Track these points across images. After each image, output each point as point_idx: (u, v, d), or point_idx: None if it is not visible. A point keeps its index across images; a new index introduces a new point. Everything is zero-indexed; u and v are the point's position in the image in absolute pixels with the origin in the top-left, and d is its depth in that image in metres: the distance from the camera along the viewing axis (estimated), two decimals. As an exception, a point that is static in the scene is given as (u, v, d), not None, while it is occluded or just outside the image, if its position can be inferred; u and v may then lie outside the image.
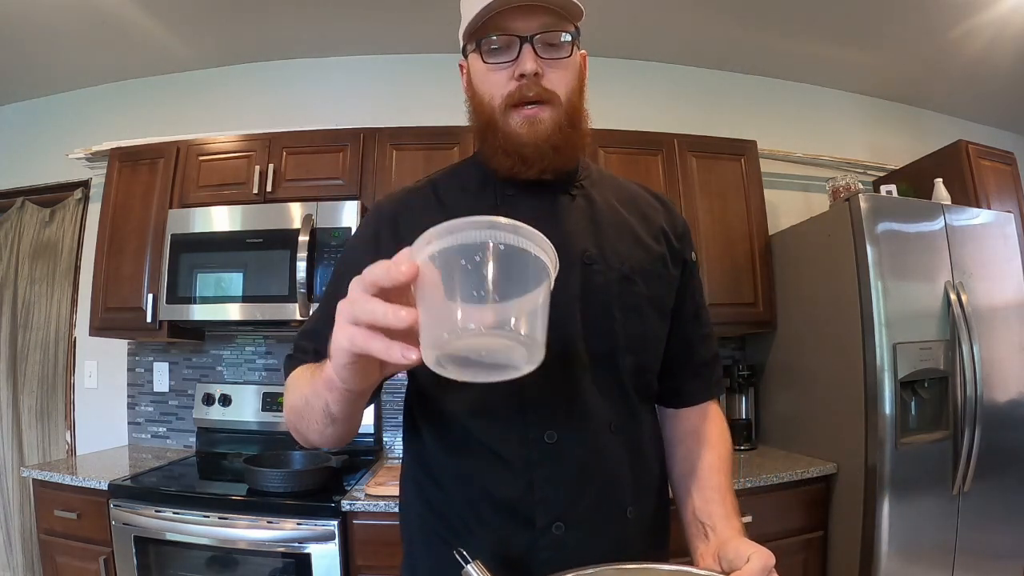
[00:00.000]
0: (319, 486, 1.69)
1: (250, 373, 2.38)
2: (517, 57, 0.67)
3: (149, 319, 2.07)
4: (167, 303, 2.01)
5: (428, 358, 0.39)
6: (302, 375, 0.66)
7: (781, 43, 2.49)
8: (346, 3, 2.22)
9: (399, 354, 0.39)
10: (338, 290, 0.72)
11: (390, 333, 0.40)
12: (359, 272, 0.71)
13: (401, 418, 0.81)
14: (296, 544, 1.56)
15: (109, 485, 1.70)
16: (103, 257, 2.18)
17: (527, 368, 0.40)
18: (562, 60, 0.69)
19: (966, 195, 2.23)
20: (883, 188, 2.30)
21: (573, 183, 0.77)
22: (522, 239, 0.39)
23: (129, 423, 2.43)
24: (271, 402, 2.20)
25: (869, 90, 2.82)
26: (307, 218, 1.95)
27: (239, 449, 2.19)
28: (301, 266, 1.88)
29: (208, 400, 2.24)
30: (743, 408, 2.26)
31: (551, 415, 0.67)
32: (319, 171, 2.11)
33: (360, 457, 2.10)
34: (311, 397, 0.58)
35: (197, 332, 2.34)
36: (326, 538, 1.55)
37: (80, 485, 1.75)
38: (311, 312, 0.77)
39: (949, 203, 2.07)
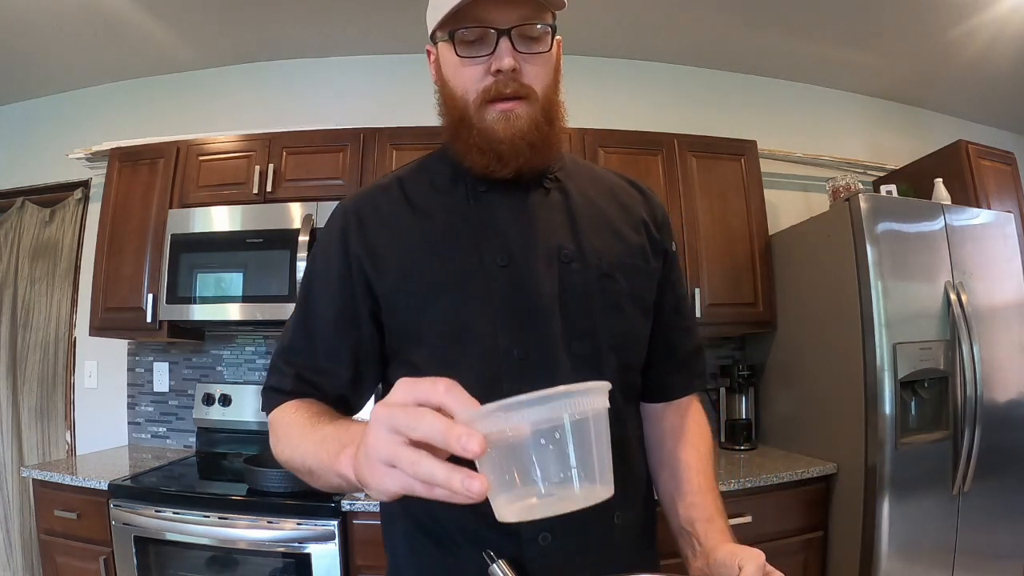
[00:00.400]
0: (319, 486, 1.69)
1: (250, 373, 2.38)
2: (494, 51, 0.63)
3: (149, 319, 2.07)
4: (167, 303, 2.01)
5: (500, 514, 0.39)
6: (301, 432, 0.61)
7: (781, 43, 2.49)
8: (346, 3, 2.22)
9: (464, 495, 0.36)
10: (310, 301, 0.73)
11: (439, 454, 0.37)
12: (330, 280, 0.71)
13: None
14: (296, 544, 1.56)
15: (109, 485, 1.70)
16: (103, 257, 2.18)
17: (602, 499, 0.40)
18: (540, 55, 0.66)
19: (966, 195, 2.23)
20: (883, 188, 2.30)
21: (546, 176, 0.73)
22: (594, 398, 0.38)
23: (129, 423, 2.43)
24: (271, 402, 2.20)
25: (869, 90, 2.82)
26: (307, 218, 1.95)
27: (239, 449, 2.19)
28: (301, 266, 1.88)
29: (208, 400, 2.24)
30: (743, 408, 2.26)
31: None
32: (319, 171, 2.11)
33: (360, 457, 2.10)
34: (321, 471, 0.55)
35: (197, 332, 2.34)
36: (326, 538, 1.55)
37: (80, 485, 1.75)
38: (285, 329, 0.75)
39: (949, 203, 2.07)
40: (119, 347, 2.45)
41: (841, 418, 1.85)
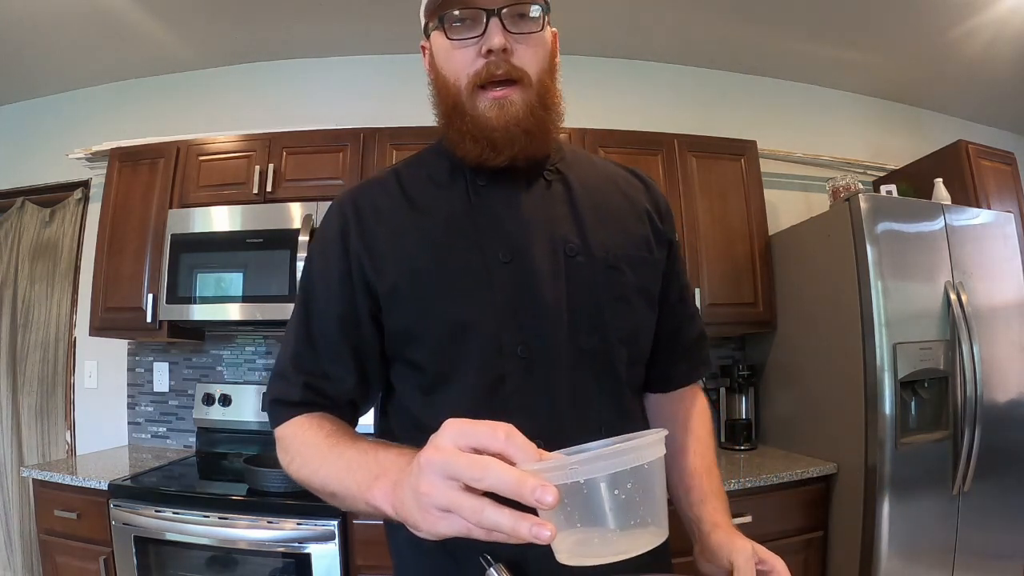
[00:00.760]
0: (319, 486, 1.69)
1: (250, 373, 2.38)
2: (484, 32, 0.62)
3: (149, 319, 2.07)
4: (167, 303, 2.01)
5: (561, 557, 0.40)
6: (320, 454, 0.60)
7: (781, 43, 2.49)
8: (346, 3, 2.22)
9: (530, 536, 0.35)
10: (311, 303, 0.71)
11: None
12: (330, 280, 0.70)
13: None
14: (296, 544, 1.56)
15: (109, 485, 1.70)
16: (103, 257, 2.18)
17: (660, 542, 0.41)
18: (532, 35, 0.64)
19: (966, 195, 2.23)
20: (883, 188, 2.30)
21: (547, 167, 0.72)
22: (656, 447, 0.40)
23: (129, 423, 2.43)
24: (271, 402, 2.20)
25: (869, 90, 2.82)
26: (307, 218, 1.95)
27: (239, 449, 2.19)
28: (301, 266, 1.88)
29: (208, 400, 2.24)
30: (743, 408, 2.26)
31: (536, 425, 0.64)
32: (319, 171, 2.11)
33: (360, 457, 2.10)
34: (346, 497, 0.55)
35: (197, 332, 2.34)
36: (326, 538, 1.55)
37: (80, 485, 1.75)
38: (286, 335, 0.74)
39: (949, 203, 2.07)
40: (119, 347, 2.45)
41: (841, 418, 1.85)
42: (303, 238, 1.91)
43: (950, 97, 2.85)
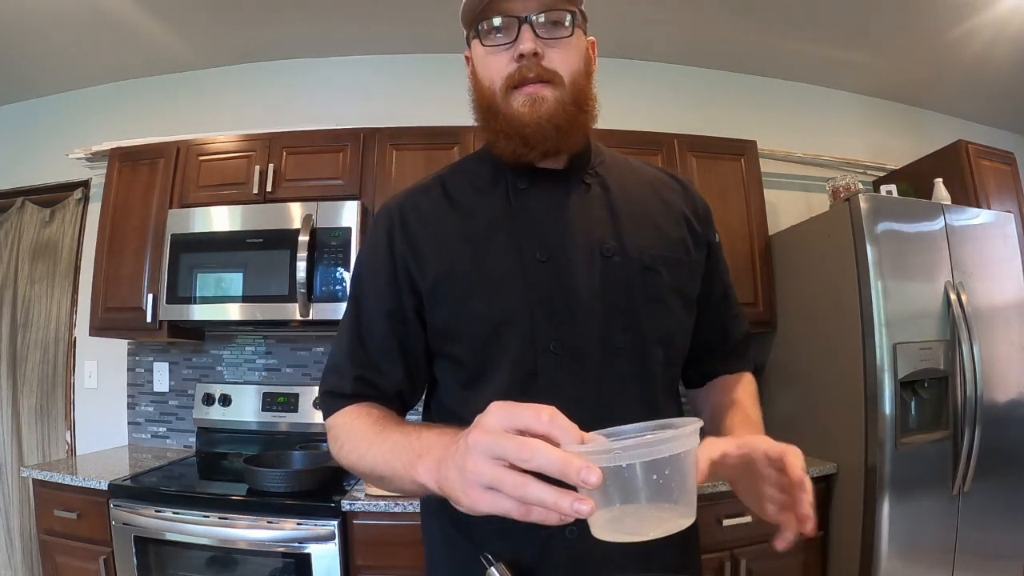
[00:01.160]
0: (319, 486, 1.69)
1: (250, 373, 2.38)
2: (516, 38, 0.66)
3: (149, 319, 2.07)
4: (167, 303, 2.01)
5: (597, 532, 0.42)
6: (367, 440, 0.64)
7: (781, 43, 2.49)
8: (346, 3, 2.22)
9: (572, 511, 0.38)
10: (362, 301, 0.74)
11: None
12: (378, 279, 0.74)
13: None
14: (296, 544, 1.56)
15: (109, 485, 1.70)
16: (103, 257, 2.18)
17: (688, 524, 0.43)
18: (563, 40, 0.67)
19: (966, 195, 2.23)
20: (883, 188, 2.30)
21: (586, 171, 0.74)
22: (693, 437, 0.42)
23: (129, 423, 2.43)
24: (271, 402, 2.20)
25: (869, 90, 2.82)
26: (307, 218, 1.95)
27: (239, 449, 2.19)
28: (301, 266, 1.88)
29: (208, 400, 2.24)
30: (743, 408, 2.25)
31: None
32: (319, 171, 2.11)
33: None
34: (394, 478, 0.58)
35: (197, 332, 2.34)
36: (326, 538, 1.55)
37: (80, 485, 1.75)
38: (340, 332, 0.76)
39: (949, 203, 2.07)
40: (119, 347, 2.45)
41: (841, 418, 1.85)
42: (303, 238, 1.90)
43: (950, 97, 2.85)
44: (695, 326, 0.78)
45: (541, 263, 0.68)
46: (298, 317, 1.91)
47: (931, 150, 2.46)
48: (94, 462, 2.04)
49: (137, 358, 2.45)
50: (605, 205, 0.72)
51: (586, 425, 0.62)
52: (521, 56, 0.65)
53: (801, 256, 2.11)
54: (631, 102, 2.54)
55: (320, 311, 1.92)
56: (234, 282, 1.98)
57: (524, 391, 0.66)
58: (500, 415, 0.43)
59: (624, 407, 0.67)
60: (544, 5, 0.66)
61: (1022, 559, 1.85)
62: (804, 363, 2.08)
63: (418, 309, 0.72)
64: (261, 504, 1.60)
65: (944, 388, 1.79)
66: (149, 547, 1.64)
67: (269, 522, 1.57)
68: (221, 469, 2.04)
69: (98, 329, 2.17)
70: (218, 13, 2.24)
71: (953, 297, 1.79)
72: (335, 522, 1.56)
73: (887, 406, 1.70)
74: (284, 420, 2.18)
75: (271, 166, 2.10)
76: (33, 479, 1.85)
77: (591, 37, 0.72)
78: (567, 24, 0.67)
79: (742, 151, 2.29)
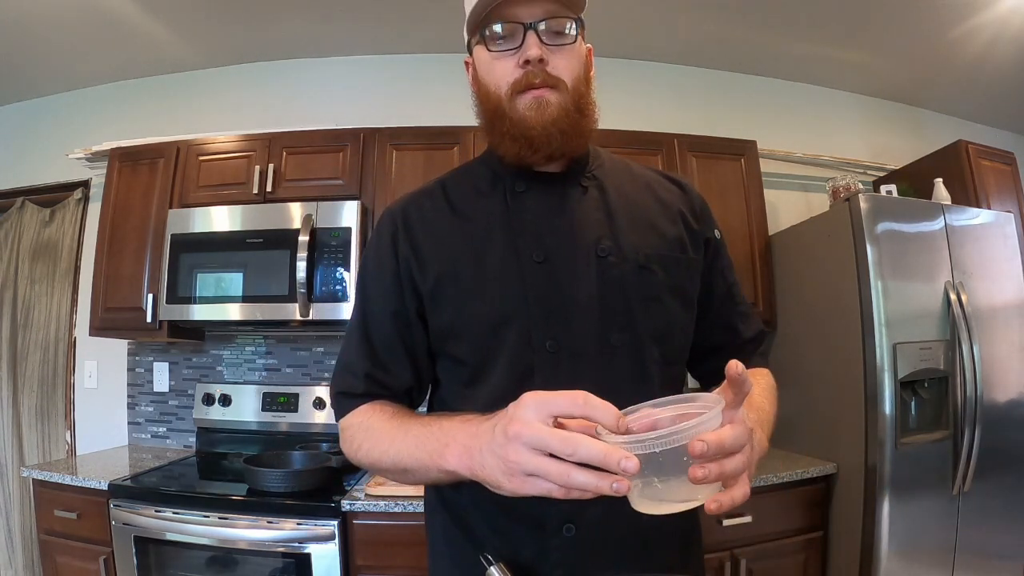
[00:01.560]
0: (319, 486, 1.69)
1: (250, 373, 2.38)
2: (521, 44, 0.67)
3: (149, 319, 2.07)
4: (167, 303, 2.01)
5: (636, 505, 0.48)
6: (388, 436, 0.66)
7: (781, 43, 2.49)
8: (346, 3, 2.22)
9: (612, 491, 0.43)
10: (368, 303, 0.77)
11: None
12: (384, 281, 0.76)
13: None
14: (296, 544, 1.56)
15: (109, 485, 1.70)
16: (103, 257, 2.18)
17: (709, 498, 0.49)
18: (566, 47, 0.69)
19: (966, 195, 2.23)
20: (883, 188, 2.30)
21: (583, 173, 0.76)
22: (718, 418, 0.47)
23: (129, 423, 2.43)
24: (271, 402, 2.20)
25: (869, 90, 2.82)
26: (307, 218, 1.95)
27: (239, 449, 2.19)
28: (301, 266, 1.88)
29: (208, 400, 2.24)
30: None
31: None
32: (319, 171, 2.11)
33: (360, 457, 2.10)
34: (419, 469, 0.61)
35: (197, 332, 2.34)
36: (326, 538, 1.55)
37: (80, 485, 1.75)
38: (348, 334, 0.79)
39: (949, 203, 2.07)
40: (119, 347, 2.45)
41: (841, 418, 1.85)
42: (303, 238, 1.90)
43: (950, 97, 2.85)
44: (702, 324, 0.79)
45: (538, 264, 0.69)
46: (298, 317, 1.91)
47: (931, 150, 2.46)
48: (94, 462, 2.04)
49: (137, 358, 2.45)
50: (601, 207, 0.74)
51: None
52: (527, 62, 0.67)
53: (801, 256, 2.11)
54: (631, 102, 2.55)
55: (320, 311, 1.92)
56: (234, 282, 1.98)
57: (521, 389, 0.66)
58: (535, 405, 0.46)
59: (622, 405, 0.67)
60: (549, 12, 0.67)
61: (1022, 559, 1.85)
62: (804, 363, 2.08)
63: (420, 311, 0.74)
64: (261, 504, 1.60)
65: (944, 388, 1.79)
66: (149, 547, 1.64)
67: (269, 522, 1.57)
68: (221, 469, 2.04)
69: (98, 329, 2.17)
70: (218, 13, 2.24)
71: (953, 297, 1.79)
72: (335, 522, 1.56)
73: (887, 406, 1.70)
74: (284, 420, 2.18)
75: (271, 166, 2.10)
76: (33, 479, 1.85)
77: (588, 45, 0.74)
78: (570, 31, 0.69)
79: (742, 151, 2.29)
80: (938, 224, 1.86)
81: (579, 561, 0.65)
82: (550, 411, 0.45)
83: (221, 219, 2.03)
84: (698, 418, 0.45)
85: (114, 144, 2.30)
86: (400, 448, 0.63)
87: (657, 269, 0.72)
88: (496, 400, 0.68)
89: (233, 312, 1.98)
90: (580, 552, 0.65)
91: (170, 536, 1.61)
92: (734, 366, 0.48)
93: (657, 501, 0.47)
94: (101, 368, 2.49)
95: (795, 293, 2.14)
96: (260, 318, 1.97)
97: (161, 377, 2.42)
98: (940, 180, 2.18)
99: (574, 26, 0.69)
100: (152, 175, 2.18)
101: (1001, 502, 1.82)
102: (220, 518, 1.59)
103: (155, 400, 2.42)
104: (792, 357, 2.15)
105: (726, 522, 1.68)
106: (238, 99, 2.57)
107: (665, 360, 0.72)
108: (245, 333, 2.40)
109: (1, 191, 2.70)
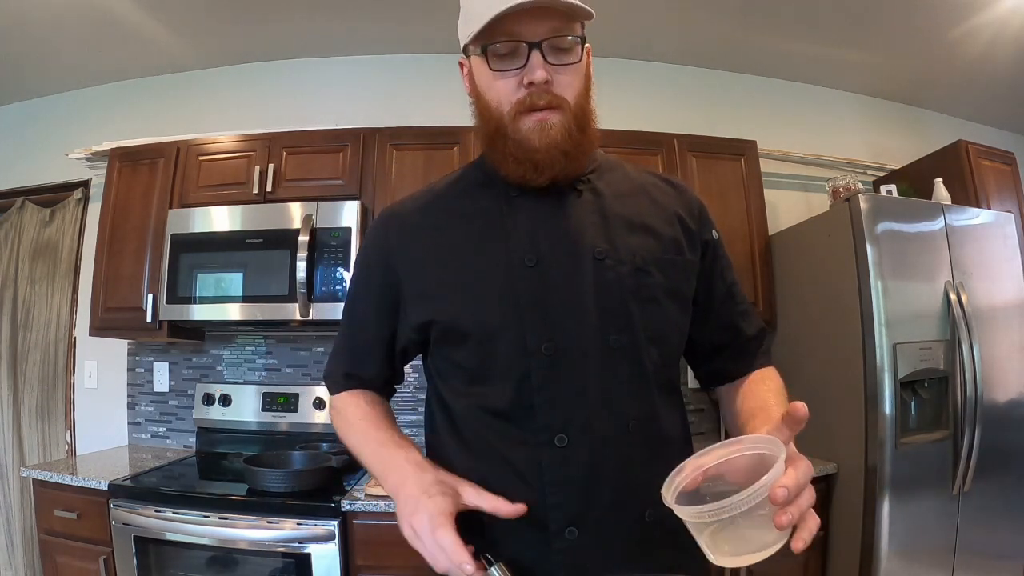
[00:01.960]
0: (319, 486, 1.69)
1: (250, 373, 2.38)
2: (525, 64, 0.65)
3: (149, 319, 2.07)
4: (167, 303, 2.01)
5: (716, 558, 0.54)
6: (360, 433, 0.78)
7: (781, 43, 2.49)
8: (346, 3, 2.22)
9: None
10: (354, 305, 0.83)
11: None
12: (370, 286, 0.80)
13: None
14: (296, 544, 1.56)
15: (109, 485, 1.70)
16: (103, 257, 2.18)
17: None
18: (570, 66, 0.67)
19: (966, 195, 2.22)
20: (883, 188, 2.30)
21: (579, 179, 0.75)
22: (780, 467, 0.51)
23: (129, 423, 2.43)
24: (271, 402, 2.20)
25: (869, 90, 2.82)
26: (307, 218, 1.95)
27: (239, 449, 2.19)
28: (301, 266, 1.88)
29: (208, 400, 2.24)
30: (743, 408, 2.25)
31: (562, 419, 0.66)
32: (319, 171, 2.11)
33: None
34: (372, 471, 0.76)
35: (197, 332, 2.35)
36: (326, 538, 1.55)
37: (80, 485, 1.75)
38: (340, 325, 0.86)
39: (949, 203, 2.07)
40: (119, 347, 2.45)
41: (841, 418, 1.85)
42: (303, 238, 1.90)
43: (950, 97, 2.85)
44: (703, 325, 0.79)
45: (529, 267, 0.69)
46: (298, 317, 1.91)
47: (931, 150, 2.46)
48: (94, 462, 2.04)
49: (137, 358, 2.45)
50: (597, 210, 0.73)
51: (581, 423, 0.67)
52: (531, 84, 0.65)
53: (801, 256, 2.11)
54: (631, 102, 2.54)
55: (320, 311, 1.92)
56: (234, 282, 1.98)
57: (520, 392, 0.67)
58: (429, 519, 0.60)
59: (620, 405, 0.68)
60: (554, 30, 0.65)
61: (1022, 559, 1.85)
62: (804, 363, 2.08)
63: (404, 316, 0.77)
64: (261, 504, 1.60)
65: (944, 388, 1.79)
66: (149, 547, 1.64)
67: (269, 522, 1.57)
68: (221, 469, 2.04)
69: (98, 329, 2.17)
70: (218, 13, 2.24)
71: (953, 297, 1.79)
72: (335, 522, 1.56)
73: (887, 406, 1.70)
74: (284, 420, 2.18)
75: (271, 166, 2.10)
76: (33, 479, 1.85)
77: (587, 44, 0.72)
78: (574, 48, 0.67)
79: (742, 151, 2.29)
80: (938, 224, 1.86)
81: (581, 563, 0.65)
82: (417, 546, 0.62)
83: (221, 219, 2.03)
84: (773, 471, 0.48)
85: (114, 144, 2.30)
86: (361, 451, 0.76)
87: (654, 271, 0.71)
88: (496, 400, 0.69)
89: (233, 312, 1.97)
90: (582, 554, 0.65)
91: (170, 536, 1.61)
92: (802, 409, 0.51)
93: (734, 556, 0.53)
94: (101, 368, 2.49)
95: (795, 293, 2.14)
96: (260, 318, 1.97)
97: (161, 377, 2.42)
98: (940, 180, 2.18)
99: (578, 42, 0.67)
100: (152, 175, 2.18)
101: (1001, 502, 1.82)
102: (220, 518, 1.59)
103: (155, 400, 2.42)
104: (792, 357, 2.15)
105: (726, 522, 1.68)
106: (238, 99, 2.57)
107: (663, 361, 0.72)
108: (245, 333, 2.40)
109: (1, 191, 2.70)
